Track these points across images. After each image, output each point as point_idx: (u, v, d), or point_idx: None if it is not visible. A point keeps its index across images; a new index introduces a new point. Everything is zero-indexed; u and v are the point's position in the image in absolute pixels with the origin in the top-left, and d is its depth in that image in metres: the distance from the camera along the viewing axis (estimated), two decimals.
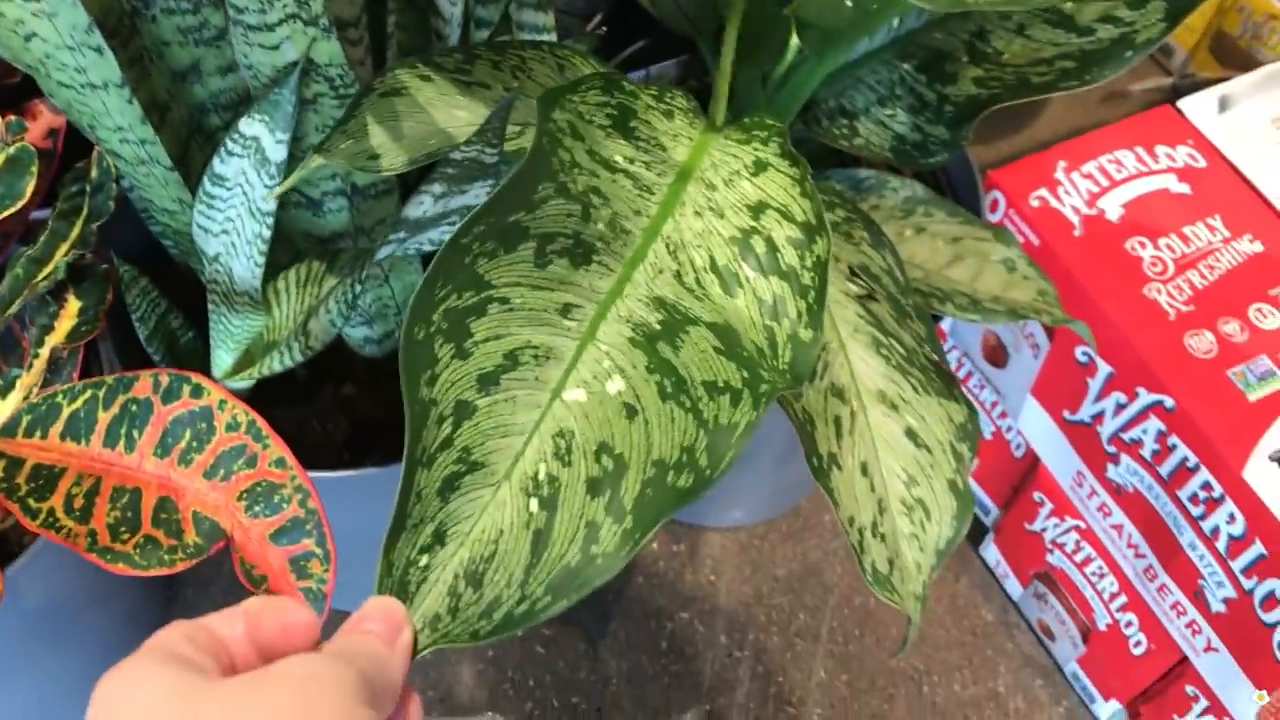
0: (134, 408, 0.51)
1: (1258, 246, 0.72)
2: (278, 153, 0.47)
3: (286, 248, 0.60)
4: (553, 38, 0.60)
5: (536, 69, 0.57)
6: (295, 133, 0.49)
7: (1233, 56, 1.06)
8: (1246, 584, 0.64)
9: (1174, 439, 0.66)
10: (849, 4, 0.49)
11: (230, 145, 0.48)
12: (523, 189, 0.41)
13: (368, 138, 0.47)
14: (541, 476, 0.40)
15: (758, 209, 0.49)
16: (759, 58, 0.59)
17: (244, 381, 0.61)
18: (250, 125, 0.47)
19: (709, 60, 0.65)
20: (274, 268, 0.59)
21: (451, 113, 0.51)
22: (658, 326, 0.43)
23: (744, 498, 0.87)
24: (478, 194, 0.47)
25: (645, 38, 0.76)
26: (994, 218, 0.74)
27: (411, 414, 0.39)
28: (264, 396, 0.66)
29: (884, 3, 0.48)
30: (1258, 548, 0.63)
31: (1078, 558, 0.77)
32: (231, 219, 0.51)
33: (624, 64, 0.76)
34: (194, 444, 0.50)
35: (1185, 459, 0.66)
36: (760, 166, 0.51)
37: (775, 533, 0.89)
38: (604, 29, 0.73)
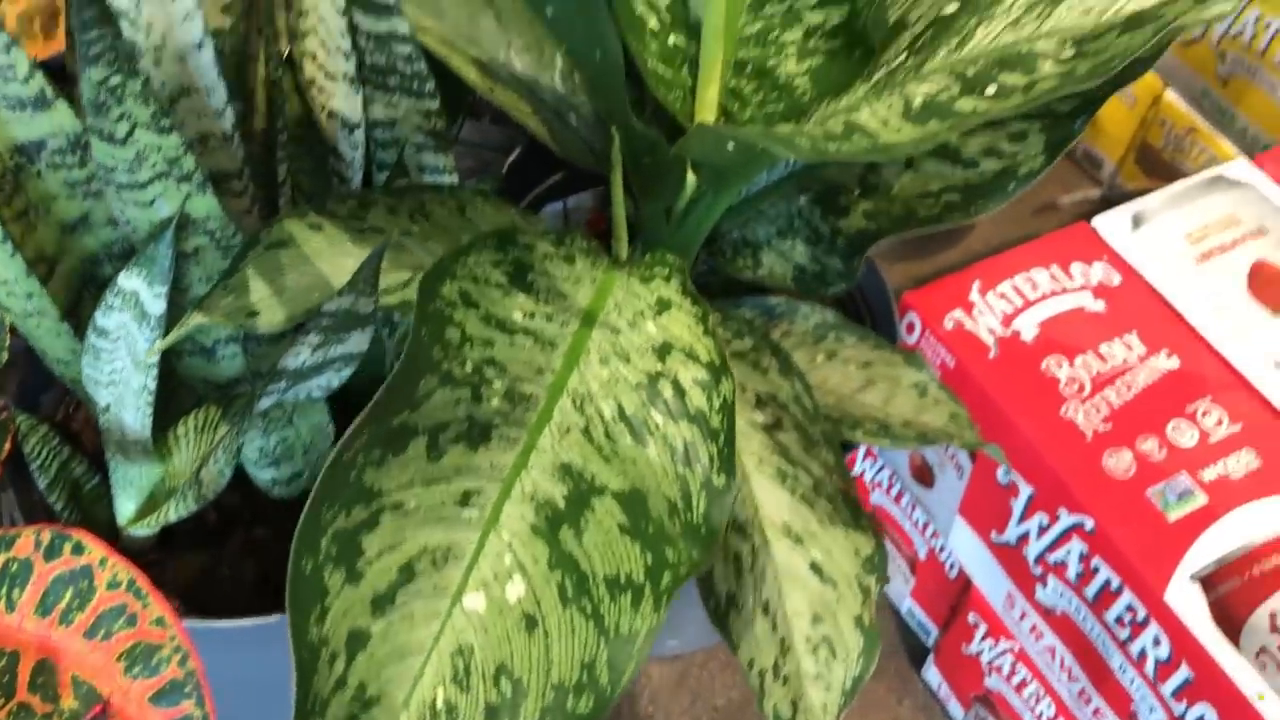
0: (14, 566, 0.50)
1: (1174, 363, 0.72)
2: (156, 307, 0.47)
3: (190, 392, 0.60)
4: (453, 179, 0.60)
5: (436, 212, 0.57)
6: (179, 283, 0.49)
7: (1158, 168, 1.08)
8: (1177, 708, 0.63)
9: (1096, 561, 0.65)
10: (730, 147, 0.49)
11: (110, 299, 0.48)
12: (404, 390, 0.41)
13: (248, 293, 0.47)
14: (440, 704, 0.39)
15: (663, 350, 0.49)
16: (660, 193, 0.60)
17: (147, 529, 0.60)
18: (129, 280, 0.47)
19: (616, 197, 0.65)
20: (177, 411, 0.59)
21: (339, 262, 0.51)
22: (562, 504, 0.42)
23: (681, 626, 0.86)
24: (359, 342, 0.47)
25: (564, 169, 0.77)
26: (911, 339, 0.74)
27: (299, 660, 0.38)
28: (173, 540, 0.65)
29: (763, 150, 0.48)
30: (1184, 671, 0.62)
31: (1014, 681, 0.75)
32: (118, 370, 0.51)
33: (540, 197, 0.77)
34: (75, 603, 0.49)
35: (1109, 581, 0.65)
36: (663, 305, 0.51)
37: (714, 661, 0.87)
38: (505, 172, 0.74)
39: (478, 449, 0.42)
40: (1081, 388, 0.70)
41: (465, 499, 0.41)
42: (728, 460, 0.45)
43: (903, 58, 0.50)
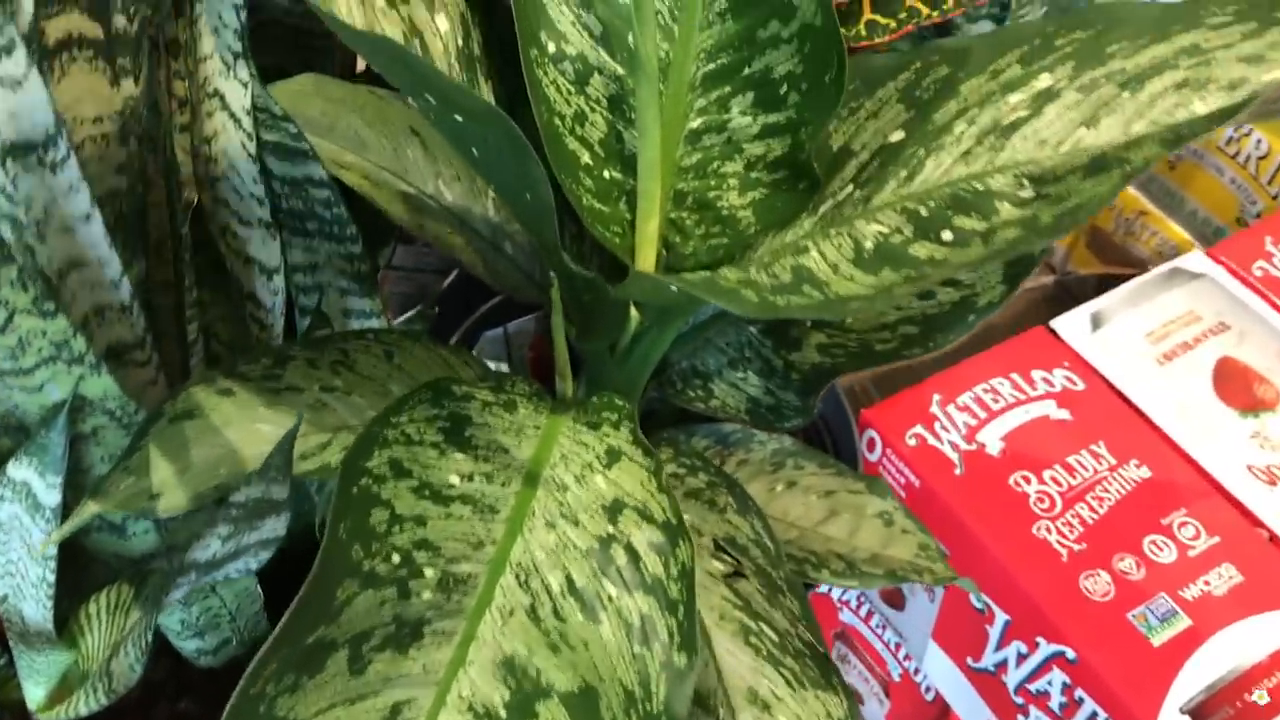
0: None
1: (1145, 472, 0.69)
2: (50, 497, 0.43)
3: (102, 566, 0.55)
4: (380, 322, 0.57)
5: (360, 361, 0.53)
6: (79, 464, 0.45)
7: (1110, 251, 1.07)
8: None
9: (1080, 692, 0.62)
10: (673, 289, 0.46)
11: (0, 490, 0.43)
12: (318, 602, 0.37)
13: (149, 474, 0.43)
14: None
15: (614, 510, 0.45)
16: (603, 330, 0.56)
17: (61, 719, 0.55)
18: (19, 469, 0.42)
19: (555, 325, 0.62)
20: (89, 586, 0.54)
21: (253, 429, 0.47)
22: (503, 712, 0.38)
23: None
24: (275, 527, 0.43)
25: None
26: (872, 457, 0.71)
27: None
28: (94, 714, 0.60)
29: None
30: None
31: None
32: (13, 561, 0.46)
33: (480, 322, 0.74)
34: None
35: (1095, 714, 0.61)
36: (613, 456, 0.48)
37: None
38: (442, 296, 0.70)
39: (408, 651, 0.38)
40: (1052, 504, 0.67)
41: (395, 713, 0.37)
42: (689, 636, 0.41)
43: (849, 189, 0.47)
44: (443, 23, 0.51)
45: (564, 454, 0.48)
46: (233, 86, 0.48)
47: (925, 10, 0.64)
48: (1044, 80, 0.43)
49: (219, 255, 0.55)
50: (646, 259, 0.54)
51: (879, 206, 0.45)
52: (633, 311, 0.56)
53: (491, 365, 0.76)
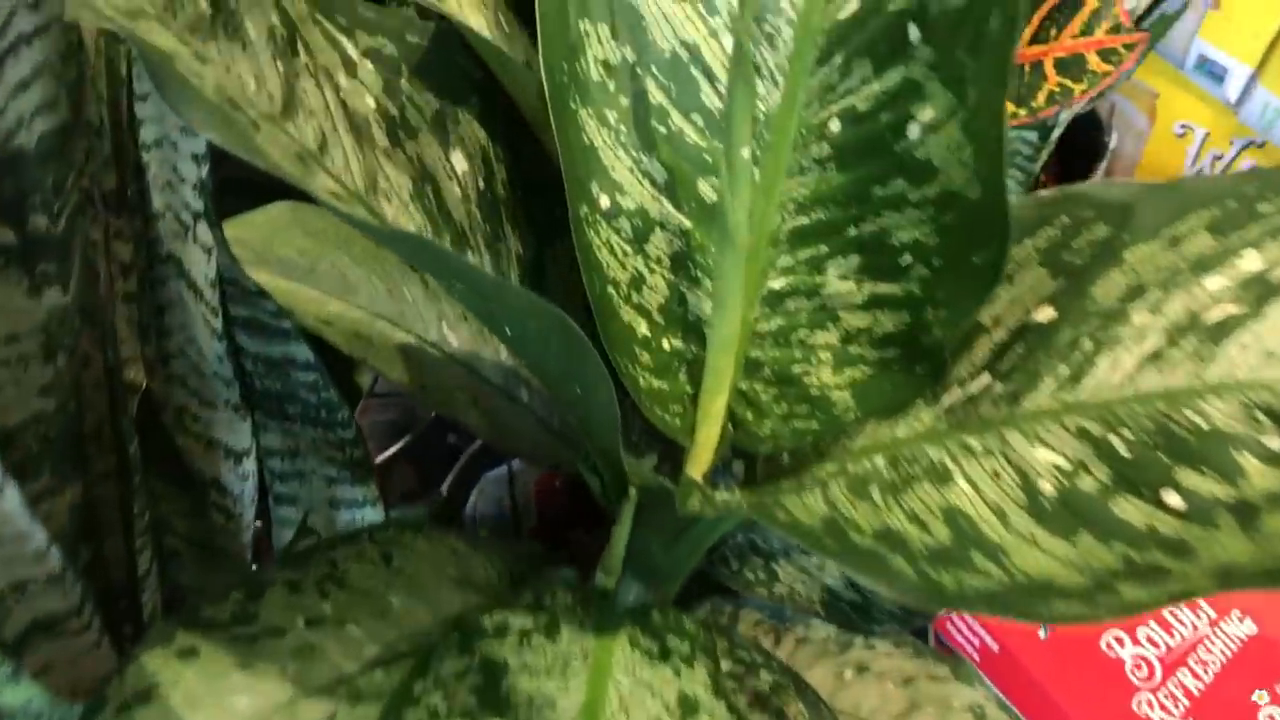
0: None
1: (1250, 627, 0.60)
2: None
3: None
4: (377, 512, 0.46)
5: (354, 573, 0.42)
6: None
7: None
8: None
9: None
10: (761, 522, 0.36)
11: None
12: None
13: None
14: None
15: None
16: (655, 522, 0.46)
17: None
18: None
19: (590, 481, 0.52)
20: None
21: (226, 703, 0.36)
22: None
23: None
24: None
25: None
26: (940, 611, 0.62)
27: None
28: None
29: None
30: None
31: None
32: None
33: (478, 459, 0.63)
34: None
35: None
36: (689, 708, 0.38)
37: None
38: (444, 493, 0.60)
39: None
40: (1151, 671, 0.58)
41: None
42: None
43: (985, 379, 0.38)
44: (459, 161, 0.40)
45: (623, 700, 0.38)
46: (192, 252, 0.37)
47: (1010, 108, 0.54)
48: (1251, 260, 0.34)
49: (172, 438, 0.44)
50: (709, 438, 0.44)
51: (1036, 414, 0.35)
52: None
53: (494, 505, 0.66)
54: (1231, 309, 0.33)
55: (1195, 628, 0.60)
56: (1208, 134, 0.92)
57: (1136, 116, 0.95)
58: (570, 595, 0.44)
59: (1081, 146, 0.88)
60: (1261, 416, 0.31)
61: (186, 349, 0.40)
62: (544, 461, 0.52)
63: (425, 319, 0.49)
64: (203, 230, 0.37)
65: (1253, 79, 0.89)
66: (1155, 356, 0.34)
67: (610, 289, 0.39)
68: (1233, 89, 0.91)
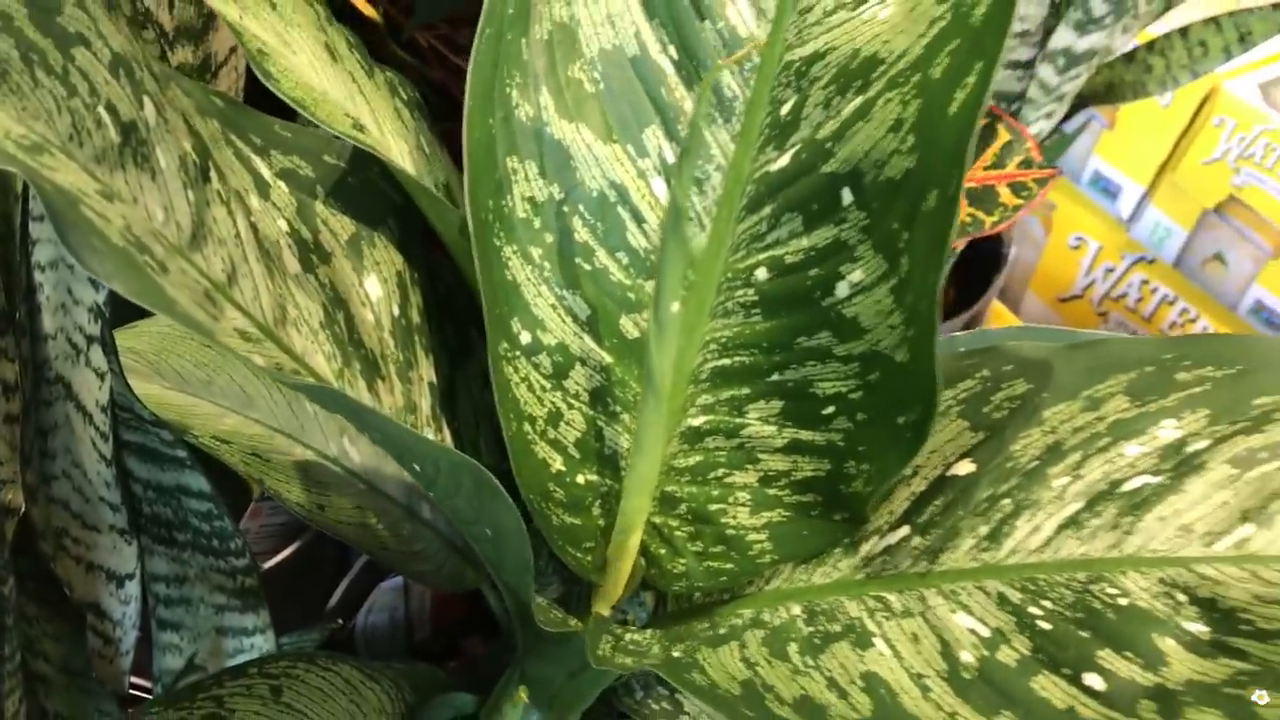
0: None
1: None
2: None
3: None
4: (268, 640, 0.44)
5: (240, 710, 0.40)
6: None
7: None
8: None
9: None
10: (679, 685, 0.35)
11: None
12: None
13: None
14: None
15: None
16: (556, 656, 0.45)
17: None
18: None
19: (492, 603, 0.50)
20: None
21: None
22: None
23: None
24: None
25: None
26: None
27: None
28: None
29: None
30: None
31: None
32: None
33: (364, 572, 0.61)
34: None
35: None
36: None
37: None
38: (340, 622, 0.57)
39: None
40: None
41: None
42: None
43: (905, 531, 0.37)
44: (374, 287, 0.39)
45: None
46: (84, 376, 0.35)
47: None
48: (1169, 429, 0.34)
49: (49, 562, 0.41)
50: (620, 573, 0.42)
51: (956, 573, 0.35)
52: None
53: (386, 616, 0.64)
54: (1151, 480, 0.33)
55: None
56: (1101, 247, 0.95)
57: (1034, 227, 0.98)
58: None
59: (982, 255, 0.90)
60: (1180, 596, 0.31)
61: (70, 472, 0.38)
62: (448, 586, 0.50)
63: (326, 433, 0.47)
64: (96, 355, 0.35)
65: (1144, 198, 0.92)
66: (1074, 523, 0.34)
67: (526, 425, 0.38)
68: (1125, 206, 0.94)
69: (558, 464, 0.40)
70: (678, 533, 0.42)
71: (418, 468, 0.36)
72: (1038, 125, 0.71)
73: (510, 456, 0.37)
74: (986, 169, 0.57)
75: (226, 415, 0.45)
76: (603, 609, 0.43)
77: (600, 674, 0.46)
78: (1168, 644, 0.29)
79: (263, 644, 0.44)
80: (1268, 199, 0.85)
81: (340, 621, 0.55)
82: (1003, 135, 0.57)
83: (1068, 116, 0.75)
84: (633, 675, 0.51)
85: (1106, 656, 0.30)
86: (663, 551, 0.42)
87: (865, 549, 0.38)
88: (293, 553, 0.61)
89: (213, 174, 0.34)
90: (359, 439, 0.49)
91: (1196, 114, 0.87)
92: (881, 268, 0.32)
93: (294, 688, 0.42)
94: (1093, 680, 0.29)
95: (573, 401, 0.39)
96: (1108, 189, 0.94)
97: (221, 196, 0.34)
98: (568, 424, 0.39)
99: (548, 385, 0.38)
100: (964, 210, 0.56)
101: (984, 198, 0.56)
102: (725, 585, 0.41)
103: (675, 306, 0.32)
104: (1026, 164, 0.56)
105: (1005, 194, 0.56)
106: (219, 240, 0.33)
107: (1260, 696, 0.27)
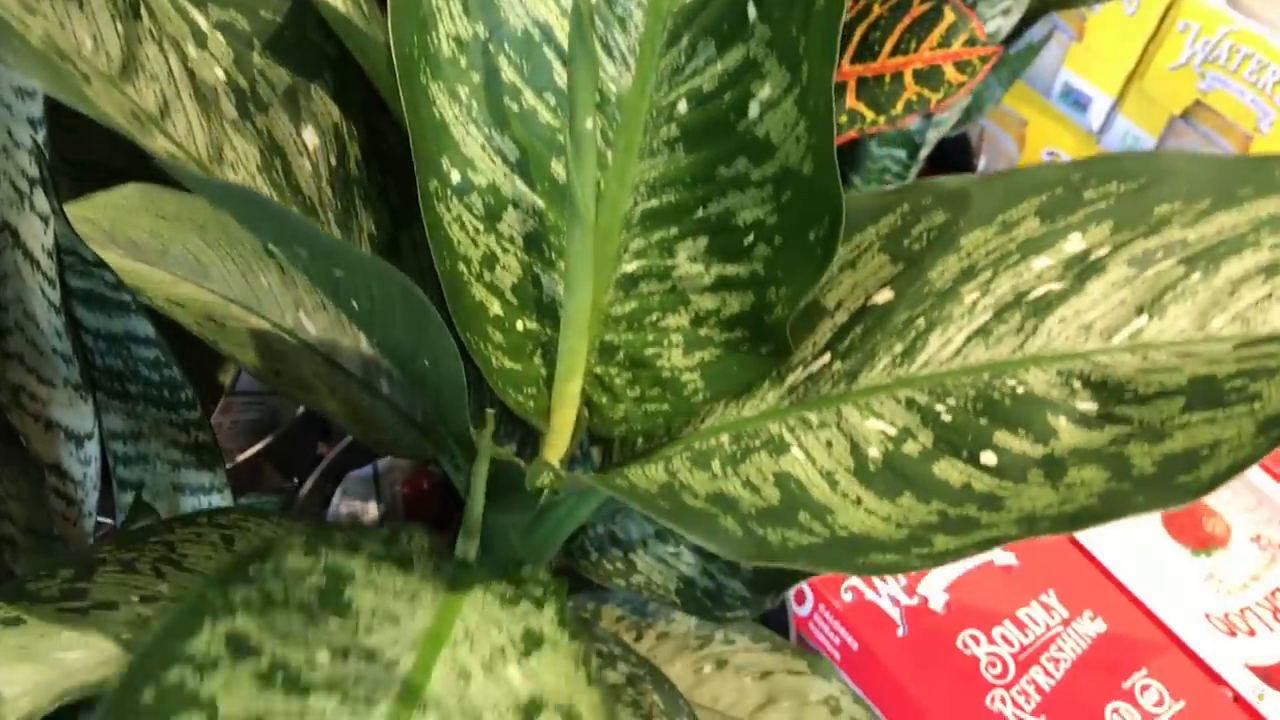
0: None
1: (1100, 626, 0.62)
2: None
3: None
4: (225, 499, 0.45)
5: (192, 555, 0.42)
6: None
7: None
8: None
9: None
10: (606, 492, 0.36)
11: None
12: None
13: None
14: None
15: (530, 711, 0.35)
16: (510, 504, 0.46)
17: None
18: None
19: (454, 476, 0.51)
20: None
21: (55, 659, 0.35)
22: None
23: None
24: None
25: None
26: (802, 612, 0.63)
27: None
28: None
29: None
30: None
31: None
32: None
33: (342, 460, 0.62)
34: None
35: None
36: (533, 641, 0.37)
37: None
38: (297, 425, 0.59)
39: None
40: (1005, 669, 0.60)
41: None
42: None
43: (825, 358, 0.38)
44: (310, 136, 0.40)
45: (469, 631, 0.38)
46: (28, 221, 0.36)
47: (870, 115, 0.56)
48: (1075, 242, 0.35)
49: (8, 418, 0.43)
50: (564, 422, 0.44)
51: (870, 389, 0.36)
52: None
53: (359, 509, 0.65)
54: (1055, 286, 0.35)
55: (1048, 626, 0.62)
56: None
57: (1006, 142, 0.98)
58: (430, 550, 0.44)
59: (952, 170, 0.91)
60: (1076, 384, 0.32)
61: (24, 325, 0.39)
62: (406, 454, 0.51)
63: (281, 305, 0.49)
64: (40, 198, 0.36)
65: (1113, 108, 0.93)
66: (982, 331, 0.35)
67: (461, 266, 0.39)
68: (1095, 117, 0.95)
69: (495, 308, 0.41)
70: (617, 380, 0.43)
71: (355, 305, 0.38)
72: (995, 23, 0.72)
73: (446, 295, 0.39)
74: (933, 50, 0.58)
75: (181, 285, 0.47)
76: (552, 460, 0.45)
77: (552, 528, 0.47)
78: (1060, 422, 0.31)
79: (219, 502, 0.45)
80: (1233, 103, 0.86)
81: (295, 481, 0.56)
82: (949, 17, 0.58)
83: (1029, 20, 0.76)
84: (588, 538, 0.52)
85: (1001, 437, 0.31)
86: (604, 400, 0.43)
87: (790, 379, 0.39)
88: (264, 450, 0.63)
89: (143, 12, 0.35)
90: (315, 313, 0.50)
91: (1162, 20, 0.87)
92: (785, 79, 0.33)
93: (246, 540, 0.44)
94: (988, 458, 0.31)
95: (507, 245, 0.40)
96: (1078, 101, 0.95)
97: (154, 35, 0.35)
98: (504, 268, 0.40)
99: (481, 227, 0.39)
100: (910, 89, 0.57)
101: (930, 76, 0.57)
102: (662, 427, 0.43)
103: (589, 123, 0.33)
104: (971, 43, 0.57)
105: (950, 72, 0.57)
106: (151, 75, 0.34)
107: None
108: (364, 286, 0.36)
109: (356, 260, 0.33)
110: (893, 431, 0.33)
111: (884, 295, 0.38)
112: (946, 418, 0.33)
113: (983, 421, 0.32)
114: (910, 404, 0.34)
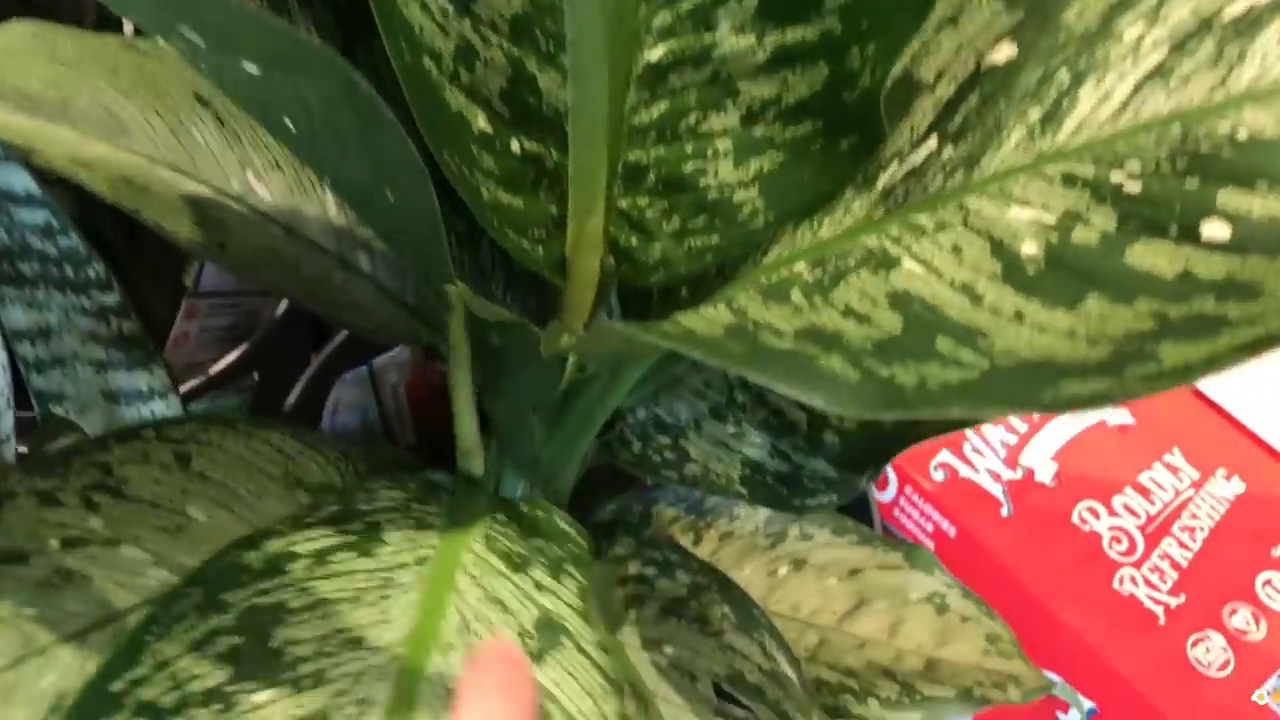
0: None
1: (1237, 486, 0.53)
2: None
3: None
4: (169, 406, 0.36)
5: (135, 478, 0.33)
6: None
7: None
8: None
9: None
10: (657, 343, 0.27)
11: None
12: None
13: None
14: None
15: None
16: (524, 384, 0.37)
17: None
18: None
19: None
20: None
21: None
22: None
23: None
24: None
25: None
26: (884, 498, 0.53)
27: None
28: None
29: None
30: None
31: None
32: None
33: (335, 359, 0.53)
34: None
35: None
36: (551, 631, 0.29)
37: None
38: (278, 326, 0.49)
39: None
40: (1132, 545, 0.50)
41: None
42: None
43: (930, 145, 0.28)
44: None
45: (467, 621, 0.29)
46: None
47: None
48: None
49: None
50: (584, 272, 0.34)
51: (1003, 173, 0.26)
52: (569, 357, 0.36)
53: (358, 415, 0.56)
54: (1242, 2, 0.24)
55: (1177, 491, 0.52)
56: None
57: None
58: (419, 488, 0.35)
59: None
60: None
61: None
62: (396, 340, 0.42)
63: (224, 165, 0.39)
64: None
65: None
66: (1159, 73, 0.25)
67: (426, 60, 0.29)
68: None
69: (480, 121, 0.31)
70: (648, 212, 0.33)
71: (289, 122, 0.28)
72: None
73: (410, 101, 0.29)
74: None
75: (90, 144, 0.37)
76: (574, 325, 0.35)
77: (582, 419, 0.38)
78: None
79: (165, 410, 0.36)
80: None
81: (256, 375, 0.47)
82: None
83: None
84: (627, 425, 0.43)
85: (1229, 197, 0.21)
86: (633, 241, 0.34)
87: (883, 180, 0.29)
88: (240, 356, 0.53)
89: None
90: (269, 174, 0.40)
91: None
92: None
93: (206, 456, 0.35)
94: (1213, 230, 0.21)
95: (488, 33, 0.30)
96: None
97: None
98: (487, 65, 0.30)
99: (451, 7, 0.29)
100: None
101: None
102: (713, 268, 0.33)
103: None
104: None
105: None
106: None
107: None
108: (294, 94, 0.26)
109: (271, 39, 0.23)
110: (1050, 220, 0.24)
111: (1004, 52, 0.28)
112: (1132, 188, 0.23)
113: (1192, 183, 0.22)
114: (1069, 180, 0.24)
